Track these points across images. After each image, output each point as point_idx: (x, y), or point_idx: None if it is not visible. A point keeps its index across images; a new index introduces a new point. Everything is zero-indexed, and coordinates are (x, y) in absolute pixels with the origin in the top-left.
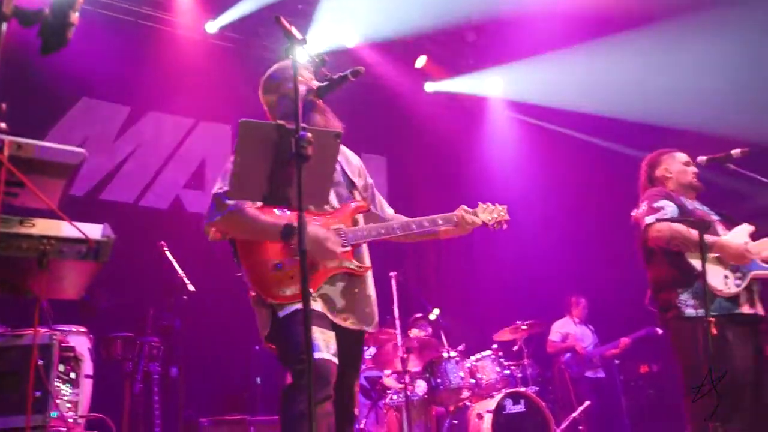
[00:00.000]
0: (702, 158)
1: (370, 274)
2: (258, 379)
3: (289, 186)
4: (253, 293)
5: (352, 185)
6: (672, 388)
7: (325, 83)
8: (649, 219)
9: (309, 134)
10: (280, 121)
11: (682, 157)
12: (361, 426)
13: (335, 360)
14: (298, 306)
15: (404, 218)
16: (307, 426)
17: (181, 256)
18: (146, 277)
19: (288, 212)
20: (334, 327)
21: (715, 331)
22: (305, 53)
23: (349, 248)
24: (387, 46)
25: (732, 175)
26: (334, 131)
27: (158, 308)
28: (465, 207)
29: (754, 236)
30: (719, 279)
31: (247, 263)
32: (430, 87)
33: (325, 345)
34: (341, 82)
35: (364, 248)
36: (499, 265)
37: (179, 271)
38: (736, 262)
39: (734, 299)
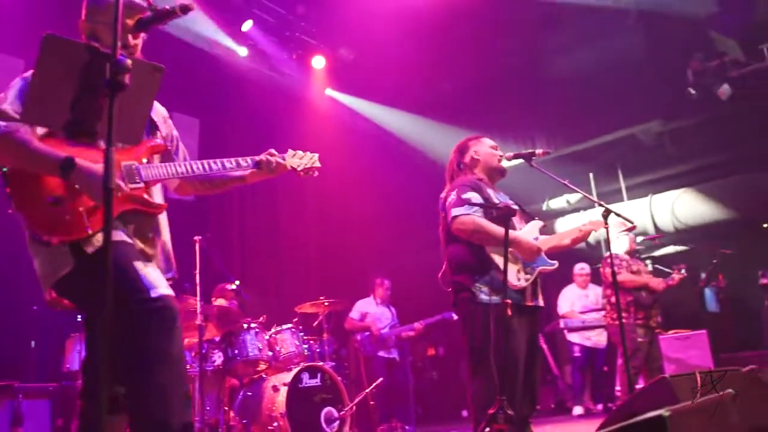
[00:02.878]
0: (509, 154)
1: (165, 219)
2: (33, 343)
3: (97, 117)
4: (31, 234)
5: (154, 127)
6: (454, 371)
7: (150, 15)
8: (456, 211)
9: (129, 61)
10: (94, 44)
11: (489, 141)
12: None
13: (173, 293)
14: (97, 244)
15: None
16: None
17: None
18: None
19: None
20: None
21: (510, 313)
22: None
23: (141, 185)
24: (213, 3)
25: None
26: (156, 65)
27: None
28: (273, 150)
29: (543, 231)
30: (513, 273)
31: (19, 196)
32: (251, 54)
33: (159, 279)
34: (167, 17)
35: (159, 190)
36: (307, 240)
37: None
38: (527, 258)
39: (522, 292)
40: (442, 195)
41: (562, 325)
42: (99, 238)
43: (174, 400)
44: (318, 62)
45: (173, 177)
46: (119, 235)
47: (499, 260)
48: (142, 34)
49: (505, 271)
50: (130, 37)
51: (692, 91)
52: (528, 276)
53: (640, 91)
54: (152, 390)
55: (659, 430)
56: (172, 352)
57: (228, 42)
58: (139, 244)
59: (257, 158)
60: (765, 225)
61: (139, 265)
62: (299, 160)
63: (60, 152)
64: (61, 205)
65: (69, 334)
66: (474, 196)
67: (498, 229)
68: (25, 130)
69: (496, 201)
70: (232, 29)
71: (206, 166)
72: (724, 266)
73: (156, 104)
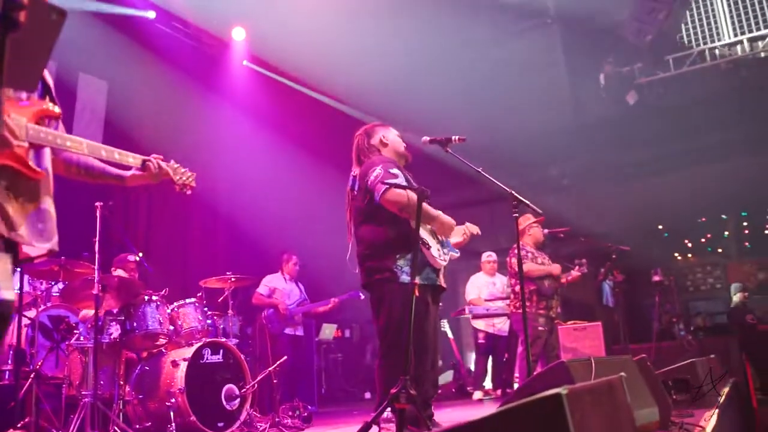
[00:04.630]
0: (425, 138)
1: (50, 186)
2: None
3: None
4: None
5: (48, 90)
6: (358, 352)
7: None
8: (390, 181)
9: None
10: None
11: (394, 130)
12: (37, 367)
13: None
14: None
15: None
16: None
17: None
18: None
19: None
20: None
21: (418, 294)
22: None
23: (26, 144)
24: None
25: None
26: (57, 6)
27: None
28: (160, 156)
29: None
30: (435, 251)
31: None
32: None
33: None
34: None
35: (44, 157)
36: (214, 213)
37: None
38: (446, 235)
39: (437, 271)
40: (354, 173)
41: (467, 311)
42: None
43: None
44: (238, 34)
45: (62, 147)
46: None
47: (425, 236)
48: None
49: (417, 250)
50: None
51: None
52: (445, 256)
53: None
54: None
55: (556, 406)
56: None
57: (139, 5)
58: (10, 210)
59: (145, 158)
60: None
61: None
62: (179, 174)
63: None
64: None
65: None
66: (399, 174)
67: (425, 207)
68: None
69: (414, 185)
70: None
71: (96, 148)
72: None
73: (45, 72)
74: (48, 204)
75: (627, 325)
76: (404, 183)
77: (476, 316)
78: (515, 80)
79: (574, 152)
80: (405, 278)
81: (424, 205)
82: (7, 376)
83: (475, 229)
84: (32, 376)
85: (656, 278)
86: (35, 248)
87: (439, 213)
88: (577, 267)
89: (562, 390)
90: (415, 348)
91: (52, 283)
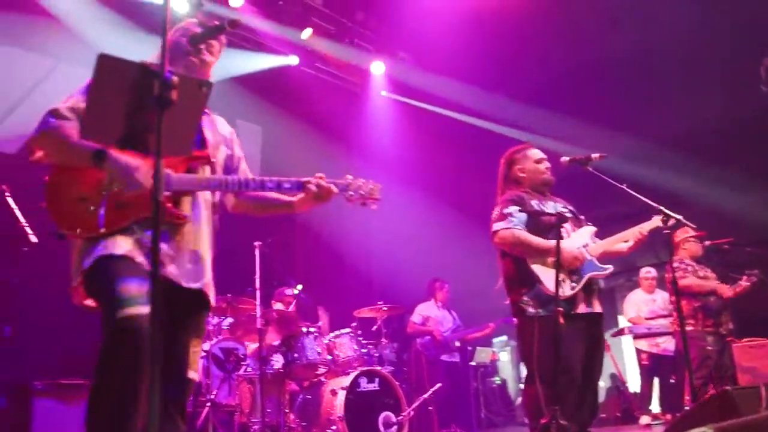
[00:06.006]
0: (564, 159)
1: (201, 230)
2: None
3: (148, 131)
4: (56, 227)
5: (203, 142)
6: (515, 375)
7: (200, 30)
8: (496, 226)
9: (175, 78)
10: (146, 60)
11: (535, 154)
12: (212, 396)
13: (145, 311)
14: (103, 250)
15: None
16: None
17: (25, 205)
18: None
19: None
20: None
21: (562, 321)
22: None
23: (167, 194)
24: (272, 10)
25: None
26: (203, 80)
27: None
28: (322, 175)
29: (599, 237)
30: (552, 282)
31: (51, 192)
32: (309, 60)
33: (131, 297)
34: (218, 31)
35: (200, 202)
36: (367, 244)
37: (21, 219)
38: (570, 265)
39: (571, 301)
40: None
41: (627, 331)
42: (109, 244)
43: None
44: (377, 68)
45: (205, 189)
46: (120, 246)
47: (540, 271)
48: (218, 49)
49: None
50: (204, 54)
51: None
52: (574, 284)
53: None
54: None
55: None
56: (116, 368)
57: (285, 50)
58: (161, 249)
59: (302, 180)
60: None
61: (119, 281)
62: (353, 190)
63: (93, 144)
64: (86, 203)
65: None
66: (515, 210)
67: (538, 241)
68: (70, 126)
69: (545, 210)
70: (291, 37)
71: (243, 181)
72: None
73: (220, 122)
74: (201, 247)
75: None
76: (516, 223)
77: (638, 336)
78: None
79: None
80: (531, 311)
81: (536, 239)
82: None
83: (646, 228)
84: (208, 405)
85: None
86: (177, 278)
87: (550, 245)
88: (745, 277)
89: (707, 429)
90: (554, 378)
91: (222, 317)
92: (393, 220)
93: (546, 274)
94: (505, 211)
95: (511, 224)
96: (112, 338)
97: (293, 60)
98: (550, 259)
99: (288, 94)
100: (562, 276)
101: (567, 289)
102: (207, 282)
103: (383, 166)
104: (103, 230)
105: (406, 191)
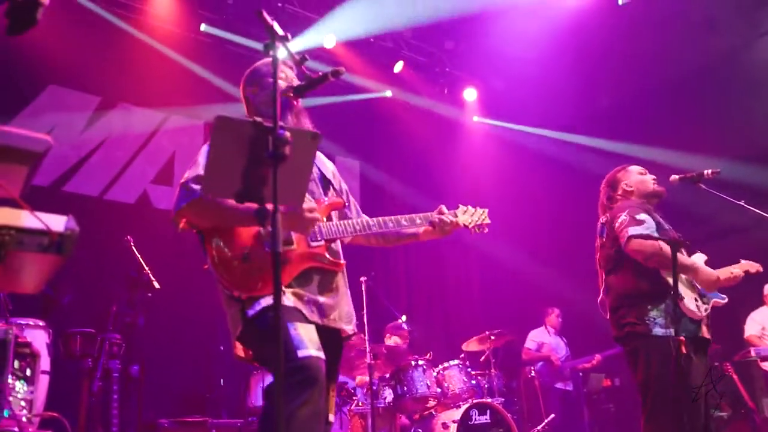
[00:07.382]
0: (674, 177)
1: (344, 273)
2: (222, 381)
3: (264, 185)
4: (223, 289)
5: (327, 184)
6: (631, 402)
7: (305, 82)
8: (632, 230)
9: (287, 133)
10: (257, 119)
11: (636, 168)
12: None
13: (322, 356)
14: (268, 302)
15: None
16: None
17: (147, 253)
18: (110, 273)
19: None
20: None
21: (685, 350)
22: (285, 51)
23: (322, 243)
24: (365, 49)
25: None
26: (313, 132)
27: (121, 304)
28: (444, 207)
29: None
30: (692, 301)
31: (214, 255)
32: (402, 92)
33: (309, 341)
34: (321, 82)
35: (338, 246)
36: (469, 273)
37: (145, 267)
38: (707, 289)
39: (698, 323)
40: (602, 221)
41: (753, 353)
42: (263, 301)
43: None
44: (470, 95)
45: (352, 234)
46: (286, 299)
47: (679, 287)
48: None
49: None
50: (293, 101)
51: None
52: (706, 306)
53: None
54: None
55: None
56: (299, 414)
57: (379, 84)
58: (320, 299)
59: (432, 216)
60: None
61: (292, 325)
62: (470, 217)
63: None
64: (250, 262)
65: (252, 371)
66: (647, 219)
67: (679, 258)
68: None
69: (666, 228)
70: (384, 71)
71: (382, 223)
72: None
73: (324, 159)
74: (346, 289)
75: None
76: (652, 230)
77: (764, 359)
78: None
79: None
80: (658, 330)
81: (679, 256)
82: None
83: (753, 267)
84: None
85: None
86: (337, 324)
87: (696, 264)
88: None
89: None
90: (684, 410)
91: None
92: (493, 245)
93: (683, 292)
94: (638, 216)
95: (648, 230)
96: (294, 374)
97: (387, 93)
98: (684, 277)
99: (384, 126)
100: (695, 296)
101: (702, 311)
102: (356, 323)
103: (480, 193)
104: (259, 293)
105: (504, 212)
